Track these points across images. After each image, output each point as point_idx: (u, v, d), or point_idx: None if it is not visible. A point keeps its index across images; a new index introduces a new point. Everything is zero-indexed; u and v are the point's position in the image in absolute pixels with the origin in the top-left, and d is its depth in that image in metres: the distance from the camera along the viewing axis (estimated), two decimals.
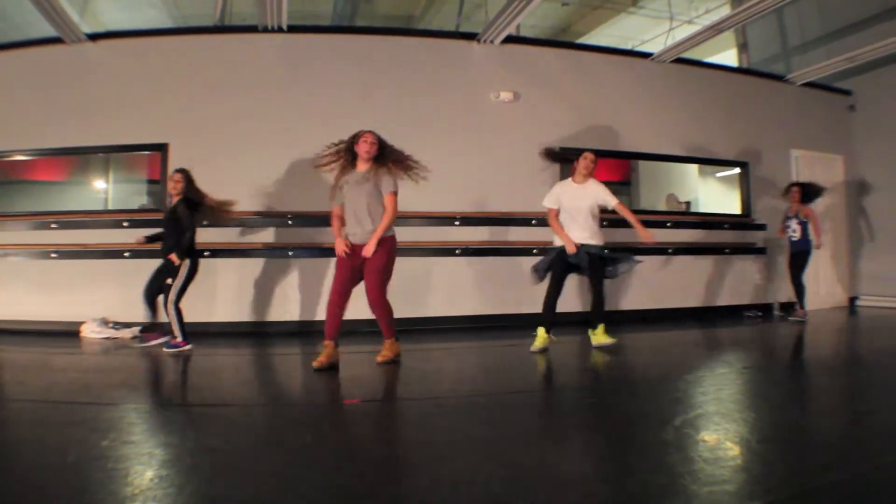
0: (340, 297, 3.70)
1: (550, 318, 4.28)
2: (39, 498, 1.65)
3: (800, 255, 6.03)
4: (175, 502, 1.63)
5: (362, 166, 3.76)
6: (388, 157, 3.81)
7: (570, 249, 4.23)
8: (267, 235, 5.74)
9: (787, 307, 6.72)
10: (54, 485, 1.75)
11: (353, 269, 3.72)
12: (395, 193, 3.78)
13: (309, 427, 2.52)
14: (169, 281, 4.53)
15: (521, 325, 5.40)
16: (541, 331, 4.27)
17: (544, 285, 4.40)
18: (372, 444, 2.28)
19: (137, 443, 2.30)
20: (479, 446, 2.13)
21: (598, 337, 4.34)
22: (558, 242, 4.37)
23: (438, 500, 1.64)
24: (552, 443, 2.24)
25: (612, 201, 4.38)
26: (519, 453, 2.05)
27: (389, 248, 3.76)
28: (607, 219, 4.92)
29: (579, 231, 4.31)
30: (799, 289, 6.06)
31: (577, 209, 4.32)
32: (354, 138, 3.78)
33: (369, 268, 3.68)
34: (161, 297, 4.66)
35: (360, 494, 1.70)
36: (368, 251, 3.65)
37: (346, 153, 3.79)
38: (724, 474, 1.70)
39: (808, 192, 6.07)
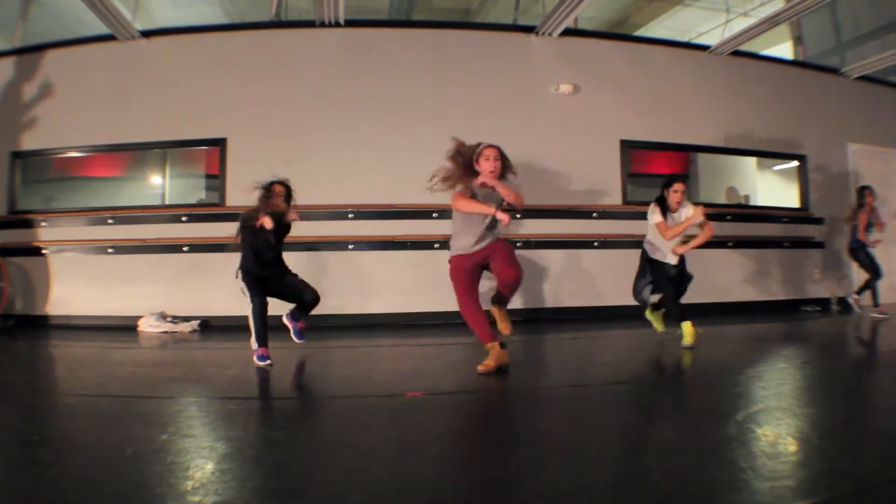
0: (477, 301, 3.37)
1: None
2: (98, 492, 1.60)
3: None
4: (237, 496, 1.58)
5: (485, 183, 3.33)
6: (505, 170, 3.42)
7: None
8: (327, 228, 5.69)
9: (843, 302, 6.64)
10: (113, 479, 1.71)
11: (475, 273, 3.41)
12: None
13: (375, 420, 2.44)
14: None
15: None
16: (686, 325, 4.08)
17: None
18: (436, 438, 2.17)
19: (197, 436, 2.23)
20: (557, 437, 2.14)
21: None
22: (671, 257, 4.32)
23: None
24: (620, 433, 2.21)
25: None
26: (578, 446, 2.02)
27: None
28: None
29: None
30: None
31: None
32: (474, 154, 3.35)
33: (505, 245, 3.32)
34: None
35: (430, 482, 1.65)
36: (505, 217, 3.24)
37: (464, 169, 3.34)
38: (785, 470, 1.70)
39: None
